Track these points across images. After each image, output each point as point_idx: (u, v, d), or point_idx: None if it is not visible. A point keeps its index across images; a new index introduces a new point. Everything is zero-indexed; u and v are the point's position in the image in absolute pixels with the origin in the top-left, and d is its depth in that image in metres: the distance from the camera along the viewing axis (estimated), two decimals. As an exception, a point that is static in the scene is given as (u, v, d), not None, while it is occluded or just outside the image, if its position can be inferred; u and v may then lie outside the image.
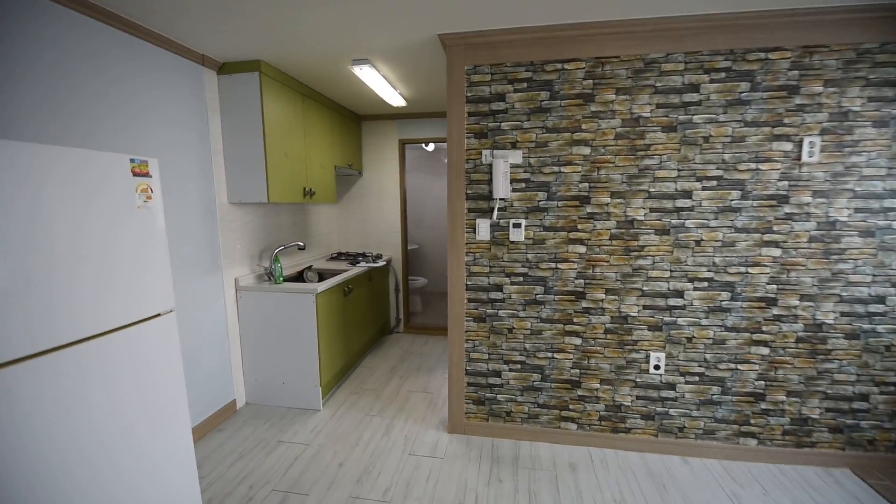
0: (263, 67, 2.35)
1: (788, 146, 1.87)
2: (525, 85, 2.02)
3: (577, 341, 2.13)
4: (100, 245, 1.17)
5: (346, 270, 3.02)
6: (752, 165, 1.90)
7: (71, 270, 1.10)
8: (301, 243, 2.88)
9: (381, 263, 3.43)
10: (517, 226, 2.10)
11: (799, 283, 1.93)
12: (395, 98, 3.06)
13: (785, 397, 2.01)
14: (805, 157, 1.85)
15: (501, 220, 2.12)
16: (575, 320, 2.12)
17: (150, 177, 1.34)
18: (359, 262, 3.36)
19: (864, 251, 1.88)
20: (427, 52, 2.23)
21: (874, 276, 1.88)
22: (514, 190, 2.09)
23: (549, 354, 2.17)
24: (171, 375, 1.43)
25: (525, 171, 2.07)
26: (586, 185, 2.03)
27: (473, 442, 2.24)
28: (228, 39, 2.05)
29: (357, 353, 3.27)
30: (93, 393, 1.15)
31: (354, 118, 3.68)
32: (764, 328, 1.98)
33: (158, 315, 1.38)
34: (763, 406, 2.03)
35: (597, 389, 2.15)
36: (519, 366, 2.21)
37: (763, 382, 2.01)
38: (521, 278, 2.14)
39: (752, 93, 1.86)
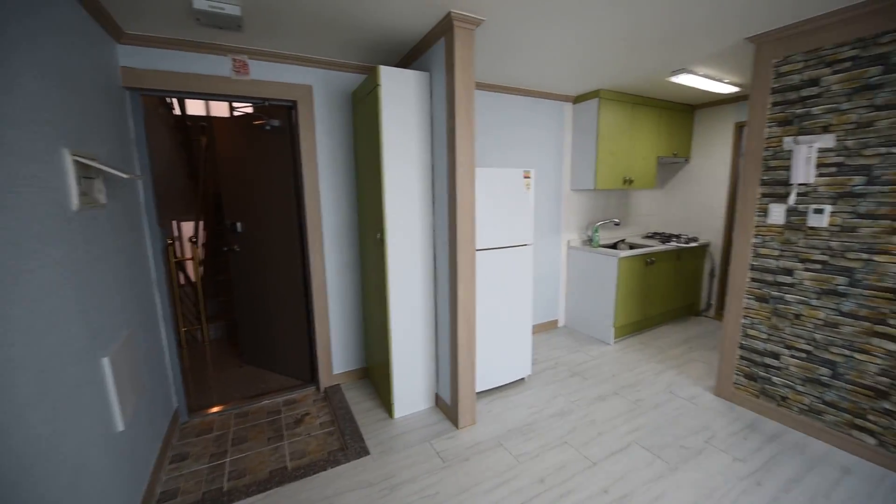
0: (602, 94, 3.34)
1: None
2: (849, 64, 1.93)
3: (892, 346, 1.87)
4: (509, 208, 2.62)
5: (651, 246, 3.62)
6: None
7: (500, 217, 2.59)
8: (617, 220, 3.76)
9: (692, 245, 3.72)
10: (819, 211, 2.06)
11: None
12: (724, 88, 3.22)
13: None
14: None
15: (800, 205, 2.14)
16: (889, 321, 1.86)
17: (530, 178, 2.69)
18: (669, 242, 3.81)
19: None
20: (744, 50, 2.45)
21: None
22: (819, 175, 2.06)
23: (847, 352, 2.02)
24: (527, 283, 2.78)
25: (838, 155, 1.99)
26: (933, 166, 1.72)
27: (737, 410, 2.45)
28: (581, 83, 3.19)
29: (655, 318, 3.82)
30: (499, 276, 2.64)
31: (686, 109, 3.98)
32: None
33: (526, 245, 2.75)
34: None
35: (919, 409, 1.81)
36: (804, 354, 2.18)
37: None
38: (818, 265, 2.09)
39: None
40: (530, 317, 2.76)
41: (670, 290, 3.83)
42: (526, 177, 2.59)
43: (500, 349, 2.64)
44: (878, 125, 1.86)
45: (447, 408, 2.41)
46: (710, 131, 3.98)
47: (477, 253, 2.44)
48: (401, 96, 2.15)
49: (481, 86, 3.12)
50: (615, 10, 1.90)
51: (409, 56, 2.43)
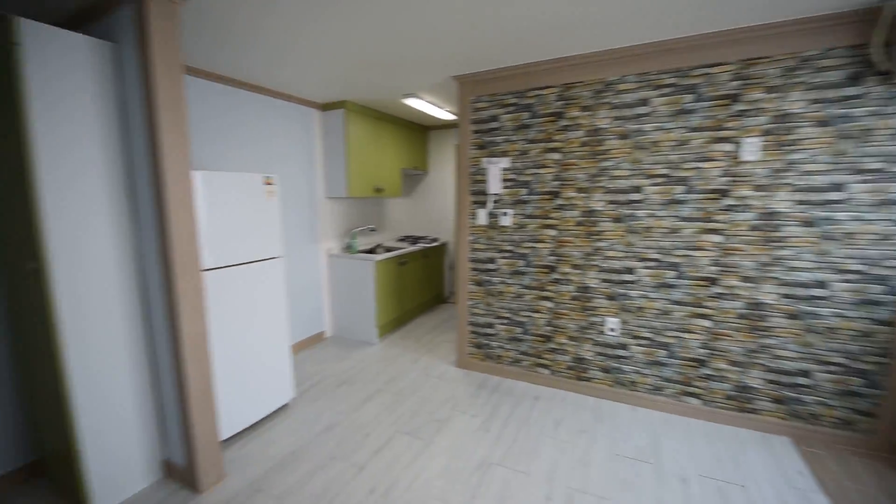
0: (348, 105, 3.45)
1: (729, 147, 2.17)
2: (513, 108, 2.68)
3: (550, 304, 2.73)
4: (249, 218, 2.32)
5: (403, 248, 4.03)
6: (696, 165, 2.25)
7: (238, 230, 2.25)
8: (373, 226, 4.00)
9: (435, 244, 4.37)
10: (505, 214, 2.78)
11: (739, 266, 2.22)
12: (444, 115, 3.92)
13: (727, 365, 2.31)
14: (745, 156, 2.14)
15: (495, 210, 2.83)
16: (547, 287, 2.72)
17: (273, 184, 2.47)
18: (417, 243, 4.35)
19: (806, 240, 2.08)
20: (451, 86, 3.03)
21: (817, 263, 2.07)
22: (504, 187, 2.78)
23: (529, 313, 2.81)
24: (281, 299, 2.54)
25: (512, 173, 2.74)
26: (557, 182, 2.61)
27: (472, 375, 3.03)
28: (326, 90, 3.18)
29: (412, 311, 4.29)
30: (244, 297, 2.30)
31: (421, 129, 4.66)
32: (706, 303, 2.31)
33: (275, 258, 2.51)
34: (706, 371, 2.36)
35: (565, 344, 2.72)
36: (506, 321, 2.90)
37: (706, 351, 2.34)
38: (508, 254, 2.83)
39: (696, 103, 2.22)
40: (288, 336, 2.55)
41: (421, 284, 4.38)
42: (268, 183, 2.37)
43: (251, 381, 2.32)
44: (530, 153, 2.67)
45: (182, 472, 1.91)
46: (440, 149, 4.78)
47: (208, 273, 2.05)
48: (64, 68, 1.55)
49: (213, 76, 2.66)
50: (336, 24, 1.96)
51: (81, 16, 1.78)
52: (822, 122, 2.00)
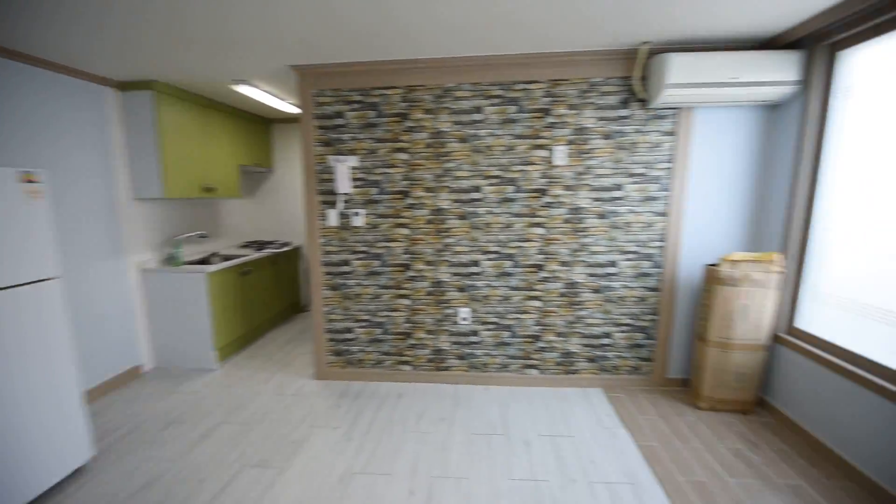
0: (157, 86, 2.84)
1: (544, 153, 2.56)
2: (358, 105, 2.62)
3: (407, 302, 2.78)
4: (-9, 228, 1.68)
5: (245, 255, 3.56)
6: (521, 167, 2.58)
7: (-33, 245, 1.61)
8: (204, 233, 3.41)
9: (286, 249, 3.99)
10: (357, 214, 2.71)
11: (558, 252, 2.64)
12: (287, 107, 3.60)
13: (554, 337, 2.73)
14: (556, 161, 2.55)
15: (346, 210, 2.72)
16: (404, 286, 2.76)
17: (38, 181, 1.84)
18: (264, 249, 3.90)
19: (600, 229, 2.60)
20: (291, 76, 2.79)
21: (608, 247, 2.61)
22: (354, 186, 2.70)
23: (388, 313, 2.81)
24: (61, 334, 1.92)
25: (361, 172, 2.68)
26: (406, 182, 2.66)
27: (332, 385, 2.86)
28: (124, 66, 2.54)
29: (262, 326, 3.83)
30: (-12, 330, 1.66)
31: (262, 121, 4.19)
32: (536, 286, 2.68)
33: (47, 279, 1.88)
34: (540, 344, 2.74)
35: (423, 338, 2.81)
36: (366, 323, 2.84)
37: (539, 327, 2.72)
38: (363, 255, 2.76)
39: (518, 113, 2.54)
40: (77, 379, 1.96)
41: (271, 294, 3.95)
42: (29, 180, 1.77)
43: (14, 450, 1.70)
44: (379, 152, 2.65)
45: None
46: (286, 145, 4.38)
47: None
48: None
49: None
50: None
51: None
52: (606, 136, 2.52)
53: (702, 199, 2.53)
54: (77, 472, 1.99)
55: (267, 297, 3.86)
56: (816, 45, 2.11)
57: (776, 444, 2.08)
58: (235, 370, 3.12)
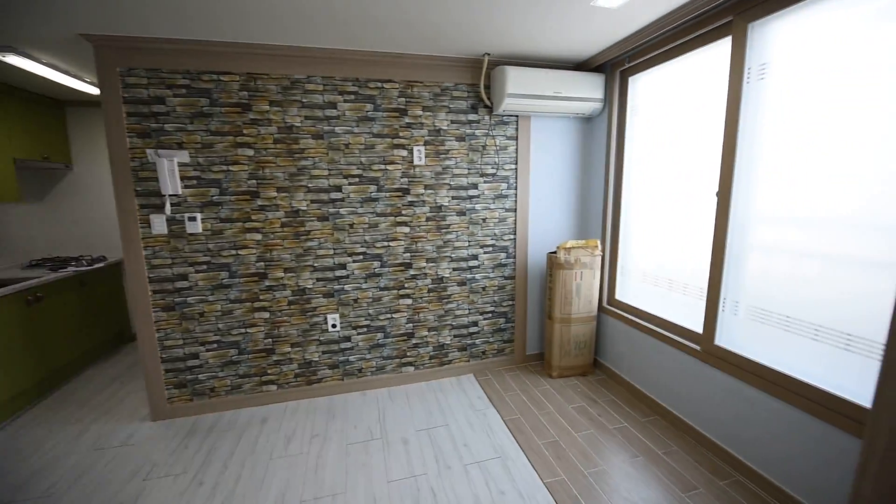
0: None
1: (404, 153, 2.58)
2: (184, 91, 2.22)
3: (266, 315, 2.50)
4: None
5: (38, 277, 2.72)
6: (382, 166, 2.55)
7: None
8: (-46, 252, 2.47)
9: (98, 265, 3.19)
10: (193, 219, 2.31)
11: (424, 250, 2.71)
12: (87, 88, 2.85)
13: (427, 332, 2.80)
14: (416, 161, 2.60)
15: (177, 215, 2.30)
16: (261, 297, 2.48)
17: None
18: (66, 268, 3.05)
19: (460, 225, 2.75)
20: (85, 48, 2.20)
21: (469, 241, 2.79)
22: (185, 186, 2.29)
23: (243, 330, 2.48)
24: None
25: (195, 170, 2.29)
26: (254, 181, 2.37)
27: (177, 423, 2.41)
28: None
29: (69, 367, 3.00)
30: None
31: (52, 104, 3.24)
32: (406, 285, 2.71)
33: None
34: (414, 341, 2.78)
35: (289, 352, 2.57)
36: (215, 345, 2.46)
37: (412, 324, 2.76)
38: (204, 266, 2.37)
39: (375, 112, 2.50)
40: None
41: (81, 324, 3.11)
42: None
43: None
44: (216, 147, 2.30)
45: None
46: (93, 134, 3.48)
47: None
48: None
49: None
50: None
51: None
52: (460, 138, 2.67)
53: (542, 195, 2.89)
54: None
55: (73, 328, 3.03)
56: (613, 70, 2.60)
57: (608, 397, 2.53)
58: (29, 430, 2.37)
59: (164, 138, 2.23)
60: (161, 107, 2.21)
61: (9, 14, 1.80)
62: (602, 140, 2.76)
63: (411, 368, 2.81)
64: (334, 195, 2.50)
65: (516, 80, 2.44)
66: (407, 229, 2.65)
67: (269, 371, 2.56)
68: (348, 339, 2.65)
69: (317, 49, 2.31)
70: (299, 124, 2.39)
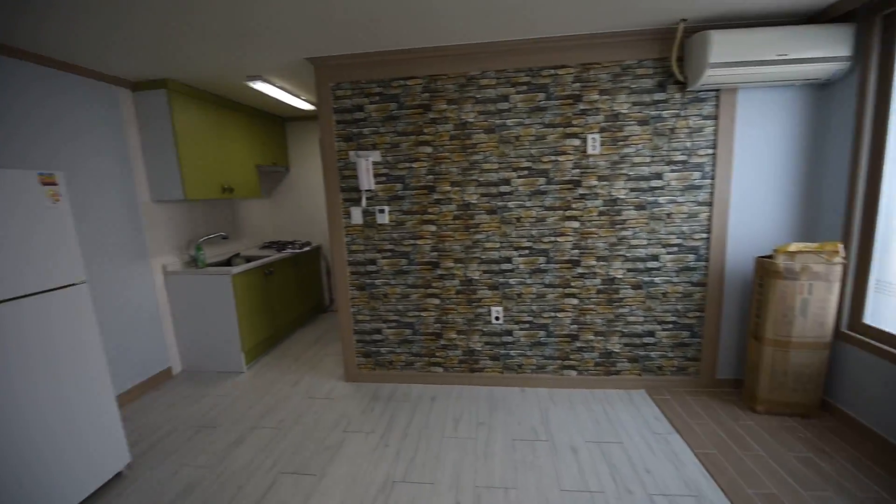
0: (170, 84, 2.77)
1: (577, 142, 2.41)
2: (378, 98, 2.50)
3: (437, 301, 2.68)
4: (16, 234, 1.63)
5: (268, 256, 3.51)
6: (552, 157, 2.44)
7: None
8: (224, 234, 3.36)
9: (306, 249, 3.94)
10: (382, 211, 2.61)
11: (594, 247, 2.50)
12: (303, 104, 3.51)
13: (593, 336, 2.60)
14: (590, 150, 2.40)
15: (370, 207, 2.63)
16: (433, 284, 2.66)
17: (57, 185, 1.79)
18: (285, 249, 3.85)
19: (639, 221, 2.45)
20: (307, 70, 2.68)
21: (648, 240, 2.46)
22: (377, 182, 2.60)
23: (417, 313, 2.72)
24: (91, 339, 1.88)
25: (384, 167, 2.58)
26: (432, 177, 2.54)
27: (363, 387, 2.80)
28: (139, 64, 2.48)
29: (286, 326, 3.80)
30: (21, 346, 1.62)
31: (276, 120, 4.11)
32: (572, 283, 2.55)
33: (73, 284, 1.84)
34: (578, 344, 2.61)
35: (455, 339, 2.71)
36: (394, 324, 2.75)
37: (576, 325, 2.59)
38: (389, 253, 2.67)
39: (547, 101, 2.39)
40: (110, 384, 1.93)
41: (295, 295, 3.90)
42: (48, 182, 1.72)
43: (51, 457, 1.68)
44: (402, 146, 2.54)
45: None
46: (302, 143, 4.30)
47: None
48: None
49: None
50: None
51: None
52: (643, 122, 2.35)
53: (749, 186, 2.35)
54: (115, 479, 1.96)
55: (291, 297, 3.82)
56: (872, 15, 1.90)
57: (847, 452, 1.93)
58: (264, 372, 3.09)
59: (362, 141, 2.56)
60: (360, 113, 2.54)
61: (259, 49, 2.30)
62: (848, 111, 2.07)
63: (573, 373, 2.66)
64: (503, 188, 2.50)
65: (723, 46, 2.00)
66: (576, 224, 2.48)
67: (436, 353, 2.75)
68: (510, 332, 2.65)
69: (490, 44, 2.32)
70: (472, 119, 2.45)
